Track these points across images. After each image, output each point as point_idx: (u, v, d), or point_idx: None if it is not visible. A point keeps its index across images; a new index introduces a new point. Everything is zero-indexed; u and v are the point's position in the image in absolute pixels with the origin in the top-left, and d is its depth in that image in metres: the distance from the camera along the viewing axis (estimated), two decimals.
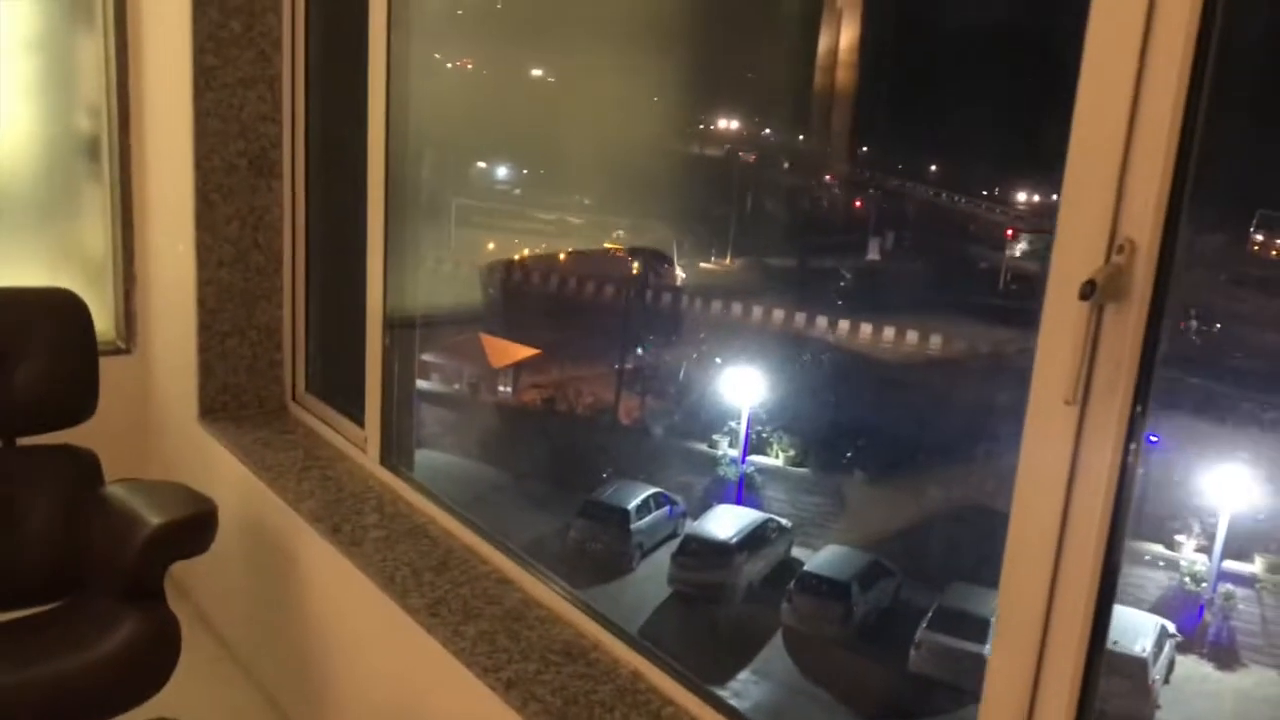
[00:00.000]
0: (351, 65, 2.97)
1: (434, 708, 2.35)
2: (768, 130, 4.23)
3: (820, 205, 4.57)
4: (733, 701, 5.29)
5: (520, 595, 2.43)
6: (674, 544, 5.76)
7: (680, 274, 5.58)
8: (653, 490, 5.86)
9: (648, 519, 5.75)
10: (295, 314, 3.45)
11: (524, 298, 6.16)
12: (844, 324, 4.98)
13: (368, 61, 2.88)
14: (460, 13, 3.79)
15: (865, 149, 4.04)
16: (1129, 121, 1.40)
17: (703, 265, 5.39)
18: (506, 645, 2.24)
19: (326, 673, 2.77)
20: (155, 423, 3.73)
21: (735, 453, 5.80)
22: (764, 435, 5.59)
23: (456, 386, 6.54)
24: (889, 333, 4.87)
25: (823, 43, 3.67)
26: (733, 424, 5.66)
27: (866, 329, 4.91)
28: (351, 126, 3.00)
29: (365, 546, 2.62)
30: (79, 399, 2.73)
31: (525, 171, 5.06)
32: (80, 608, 2.54)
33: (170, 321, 3.54)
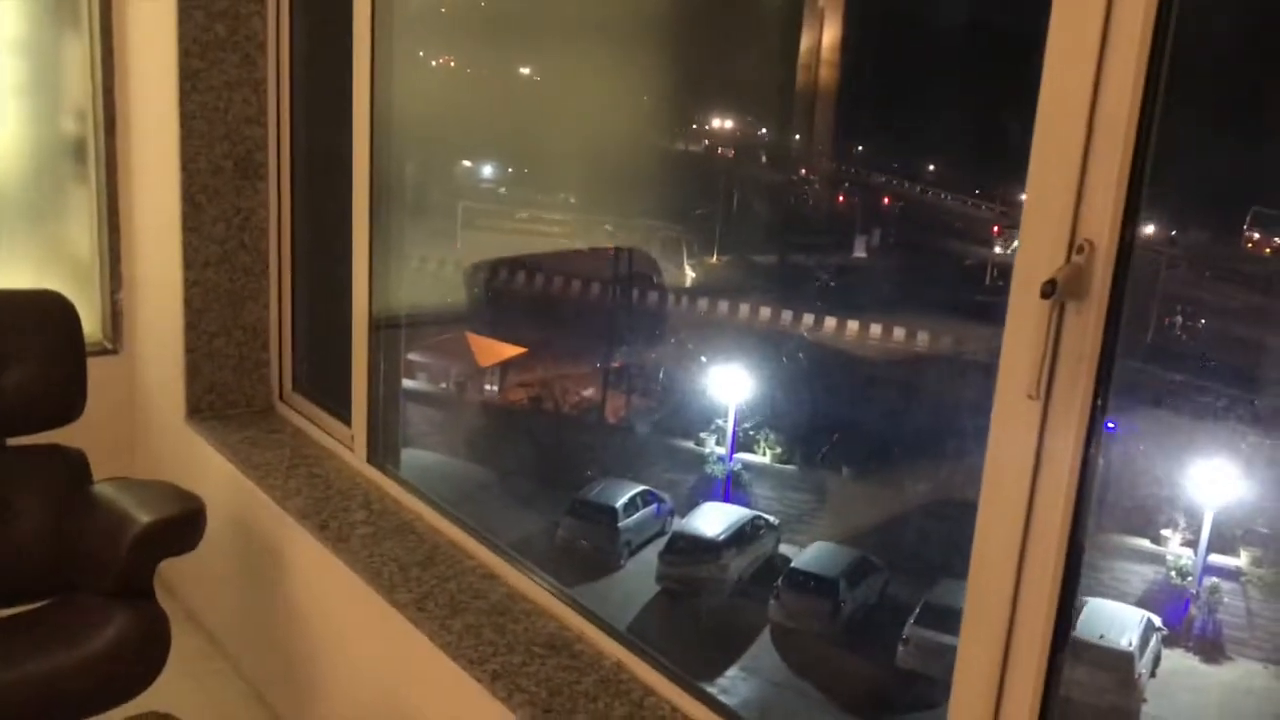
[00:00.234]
0: (336, 67, 3.02)
1: (421, 700, 2.42)
2: (753, 129, 4.26)
3: (806, 203, 4.61)
4: (721, 698, 5.35)
5: (506, 589, 2.50)
6: (662, 542, 5.80)
7: (666, 272, 5.59)
8: (640, 488, 5.88)
9: (636, 517, 5.79)
10: (282, 314, 3.50)
11: (509, 297, 6.15)
12: (830, 321, 4.99)
13: (352, 62, 2.93)
14: (444, 11, 3.83)
15: (851, 147, 4.07)
16: (1087, 128, 1.47)
17: (689, 263, 5.40)
18: (492, 638, 2.31)
19: (314, 667, 2.84)
20: (143, 422, 3.79)
21: (722, 450, 5.83)
22: (751, 433, 5.62)
23: (443, 385, 6.54)
24: (875, 330, 4.88)
25: (805, 41, 3.71)
26: (719, 422, 5.69)
27: (853, 326, 4.92)
28: (337, 128, 3.05)
29: (352, 543, 2.68)
30: (67, 399, 2.78)
31: (510, 170, 5.09)
32: (70, 605, 2.60)
33: (157, 322, 3.59)
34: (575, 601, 2.39)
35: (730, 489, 5.88)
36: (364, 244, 3.03)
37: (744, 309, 5.21)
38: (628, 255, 5.81)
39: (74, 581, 2.63)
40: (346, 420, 3.13)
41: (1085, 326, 1.49)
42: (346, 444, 3.14)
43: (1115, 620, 4.55)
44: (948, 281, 4.59)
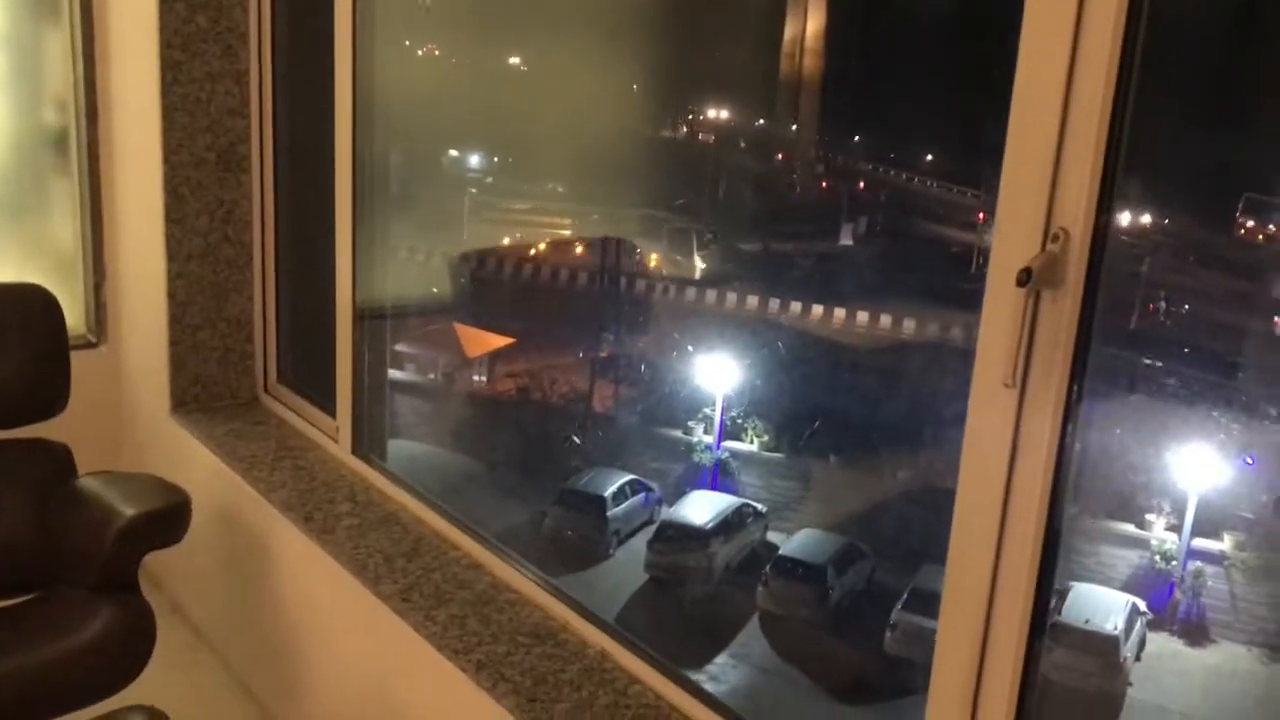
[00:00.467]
0: (319, 58, 3.01)
1: (407, 690, 2.43)
2: (739, 118, 4.26)
3: (793, 191, 4.61)
4: (710, 685, 5.36)
5: (490, 579, 2.51)
6: (650, 530, 5.81)
7: (653, 261, 5.58)
8: (629, 477, 5.87)
9: (624, 506, 5.79)
10: (266, 306, 3.50)
11: (496, 287, 6.13)
12: (817, 309, 4.98)
13: (334, 51, 2.93)
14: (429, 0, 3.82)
15: (836, 135, 4.08)
16: (1061, 116, 1.48)
17: (675, 252, 5.38)
18: (477, 628, 2.32)
19: (300, 659, 2.85)
20: (127, 415, 3.79)
21: (710, 439, 5.83)
22: (738, 421, 5.61)
23: (430, 376, 6.52)
24: (862, 317, 4.88)
25: (789, 30, 3.71)
26: (707, 410, 5.68)
27: (839, 314, 4.92)
28: (320, 118, 3.05)
29: (337, 535, 2.69)
30: (51, 393, 2.78)
31: (496, 159, 5.08)
32: (54, 600, 2.60)
33: (141, 315, 3.59)
34: (560, 591, 2.41)
35: (718, 477, 5.88)
36: (347, 235, 3.03)
37: (730, 298, 5.21)
38: (615, 244, 5.79)
39: (58, 576, 2.63)
40: (331, 412, 3.14)
41: (1060, 314, 1.50)
42: (331, 436, 3.14)
43: (1100, 605, 4.57)
44: (934, 269, 4.60)
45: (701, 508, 5.74)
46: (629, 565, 5.69)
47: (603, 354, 6.25)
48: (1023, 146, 1.52)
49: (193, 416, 3.39)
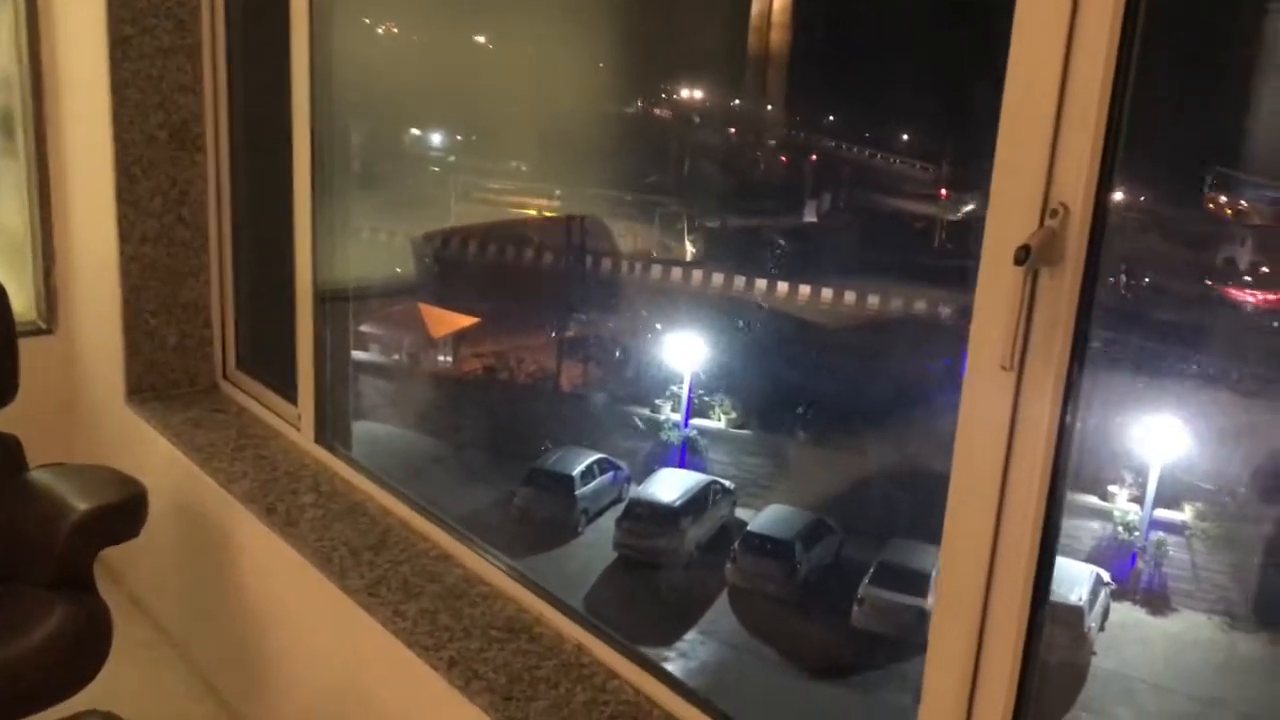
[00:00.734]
0: (275, 34, 2.87)
1: (376, 689, 2.32)
2: (705, 95, 4.20)
3: (758, 168, 4.55)
4: (680, 661, 5.32)
5: (461, 572, 2.40)
6: (619, 508, 5.74)
7: (620, 239, 5.52)
8: (597, 456, 5.83)
9: (592, 485, 5.73)
10: (224, 289, 3.37)
11: (461, 267, 6.06)
12: (782, 286, 4.96)
13: (290, 27, 2.80)
14: None
15: (801, 112, 4.02)
16: (1060, 86, 1.39)
17: (642, 231, 5.33)
18: (448, 623, 2.21)
19: (265, 656, 2.73)
20: (80, 404, 3.63)
21: (678, 417, 5.77)
22: (706, 399, 5.57)
23: (395, 357, 6.44)
24: (826, 294, 4.84)
25: (756, 4, 3.64)
26: (674, 388, 5.63)
27: (804, 290, 4.89)
28: (277, 96, 2.91)
29: (301, 527, 2.57)
30: None
31: (460, 139, 4.98)
32: (4, 599, 2.47)
33: (93, 300, 3.44)
34: (533, 582, 2.30)
35: (686, 455, 5.84)
36: (306, 215, 2.90)
37: (697, 275, 5.15)
38: (581, 223, 5.72)
39: (8, 573, 2.50)
40: (293, 399, 3.00)
41: (1060, 292, 1.42)
42: (293, 423, 3.01)
43: (1065, 576, 4.58)
44: (898, 245, 4.55)
45: (670, 486, 5.70)
46: (598, 544, 5.65)
47: (570, 333, 6.19)
48: (1019, 117, 1.43)
49: (149, 405, 3.24)
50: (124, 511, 2.52)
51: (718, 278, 5.16)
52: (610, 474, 5.84)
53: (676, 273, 5.34)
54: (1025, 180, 1.42)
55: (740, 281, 5.13)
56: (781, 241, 5.02)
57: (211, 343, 3.39)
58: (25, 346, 2.72)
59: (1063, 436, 1.49)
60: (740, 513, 5.66)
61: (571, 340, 6.21)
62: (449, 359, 6.56)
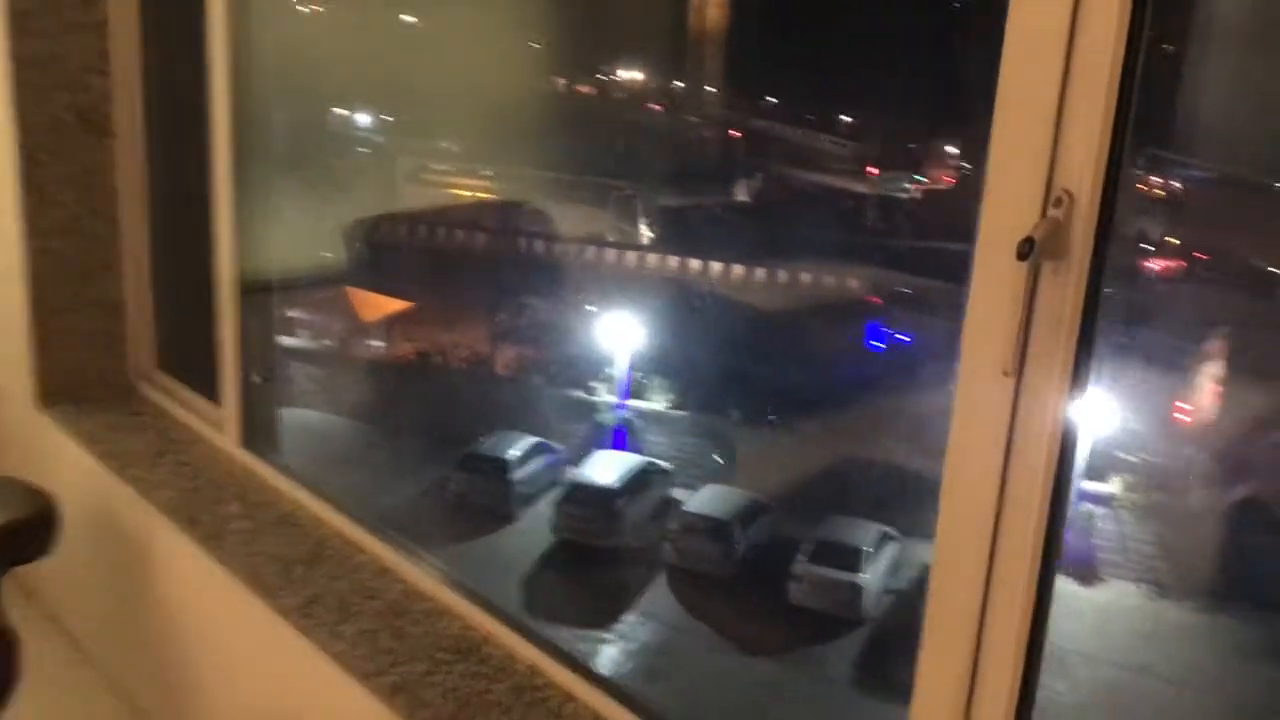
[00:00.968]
0: (192, 9, 2.62)
1: (313, 717, 2.09)
2: (641, 74, 4.06)
3: (691, 148, 4.47)
4: (619, 644, 5.16)
5: (402, 587, 2.18)
6: (556, 492, 5.63)
7: (554, 221, 5.43)
8: (533, 439, 5.75)
9: (529, 468, 5.60)
10: (140, 284, 3.09)
11: (394, 254, 5.93)
12: (716, 267, 4.89)
13: (207, 3, 2.54)
14: None
15: (735, 91, 3.95)
16: (1065, 59, 1.21)
17: (577, 211, 5.23)
18: (390, 645, 1.99)
19: (193, 680, 2.48)
20: None
21: (614, 399, 5.69)
22: (642, 380, 5.51)
23: (326, 342, 6.28)
24: (760, 274, 4.83)
25: None
26: (610, 370, 5.56)
27: (738, 271, 4.86)
28: (195, 76, 2.66)
29: (228, 540, 2.33)
30: None
31: (390, 120, 4.79)
32: None
33: None
34: (481, 597, 2.08)
35: (623, 437, 5.73)
36: (228, 203, 2.65)
37: (631, 256, 5.08)
38: (513, 205, 5.60)
39: None
40: (217, 400, 2.74)
41: (1065, 288, 1.25)
42: (218, 426, 2.75)
43: None
44: (830, 223, 4.48)
45: (607, 468, 5.60)
46: (535, 528, 5.52)
47: (504, 316, 6.07)
48: (1017, 95, 1.25)
49: (60, 409, 2.96)
50: (33, 528, 2.26)
51: (653, 259, 5.09)
52: (547, 457, 5.73)
53: (610, 253, 5.25)
54: (1025, 165, 1.26)
55: (675, 262, 5.08)
56: (716, 222, 5.01)
57: (128, 341, 3.10)
58: None
59: (1066, 447, 1.31)
60: (678, 493, 5.59)
61: (506, 324, 6.13)
62: (382, 343, 6.39)
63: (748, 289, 4.67)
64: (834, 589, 5.29)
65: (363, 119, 4.68)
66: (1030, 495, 1.32)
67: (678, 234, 4.86)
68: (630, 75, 3.96)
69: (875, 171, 4.12)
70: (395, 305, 6.04)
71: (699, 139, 4.48)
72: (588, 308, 5.61)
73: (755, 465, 5.48)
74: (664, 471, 5.80)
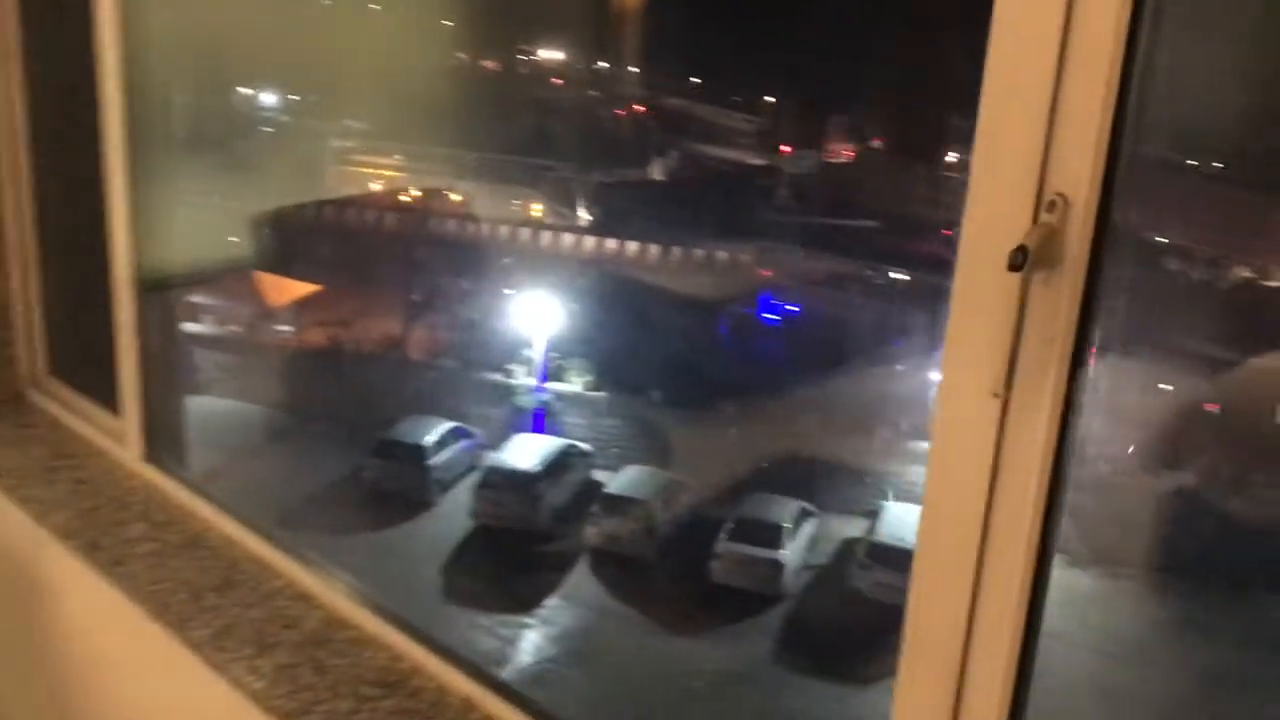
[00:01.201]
0: None
1: None
2: (556, 53, 3.87)
3: (606, 127, 4.35)
4: (541, 629, 5.01)
5: (322, 614, 1.97)
6: (474, 477, 5.53)
7: (467, 202, 5.28)
8: (449, 424, 5.61)
9: (446, 454, 5.46)
10: (28, 283, 2.80)
11: (304, 238, 5.69)
12: (632, 246, 4.75)
13: None
14: None
15: (650, 70, 3.80)
16: (1060, 44, 1.06)
17: (489, 192, 5.05)
18: (311, 680, 1.79)
19: None
20: None
21: (532, 381, 5.52)
22: (560, 362, 5.37)
23: (233, 328, 6.02)
24: (676, 252, 4.72)
25: None
26: (528, 353, 5.39)
27: (654, 249, 4.75)
28: (82, 53, 2.37)
29: (131, 566, 2.08)
30: None
31: (297, 99, 4.53)
32: None
33: None
34: (409, 624, 1.89)
35: (542, 420, 5.59)
36: (122, 191, 2.39)
37: (546, 237, 4.95)
38: (425, 188, 5.44)
39: None
40: (117, 409, 2.48)
41: (1058, 301, 1.11)
42: (117, 438, 2.48)
43: (911, 523, 4.42)
44: (742, 201, 4.40)
45: (526, 451, 5.45)
46: (453, 514, 5.35)
47: (418, 299, 5.90)
48: (1006, 86, 1.11)
49: None
50: None
51: (568, 239, 4.93)
52: (464, 442, 5.61)
53: (524, 233, 5.07)
54: (1015, 164, 1.11)
55: (590, 242, 4.93)
56: (627, 198, 4.89)
57: (15, 346, 2.80)
58: None
59: (1059, 472, 1.17)
60: (599, 475, 5.48)
61: (420, 307, 5.94)
62: (291, 328, 6.11)
63: (664, 268, 4.53)
64: (754, 566, 5.24)
65: (265, 98, 4.40)
66: (1019, 524, 1.18)
67: (594, 215, 4.74)
68: (549, 52, 3.77)
69: (790, 150, 4.06)
70: (305, 290, 5.78)
71: (612, 118, 4.34)
72: (505, 290, 5.47)
73: (676, 445, 5.36)
74: (584, 454, 5.68)
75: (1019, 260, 1.08)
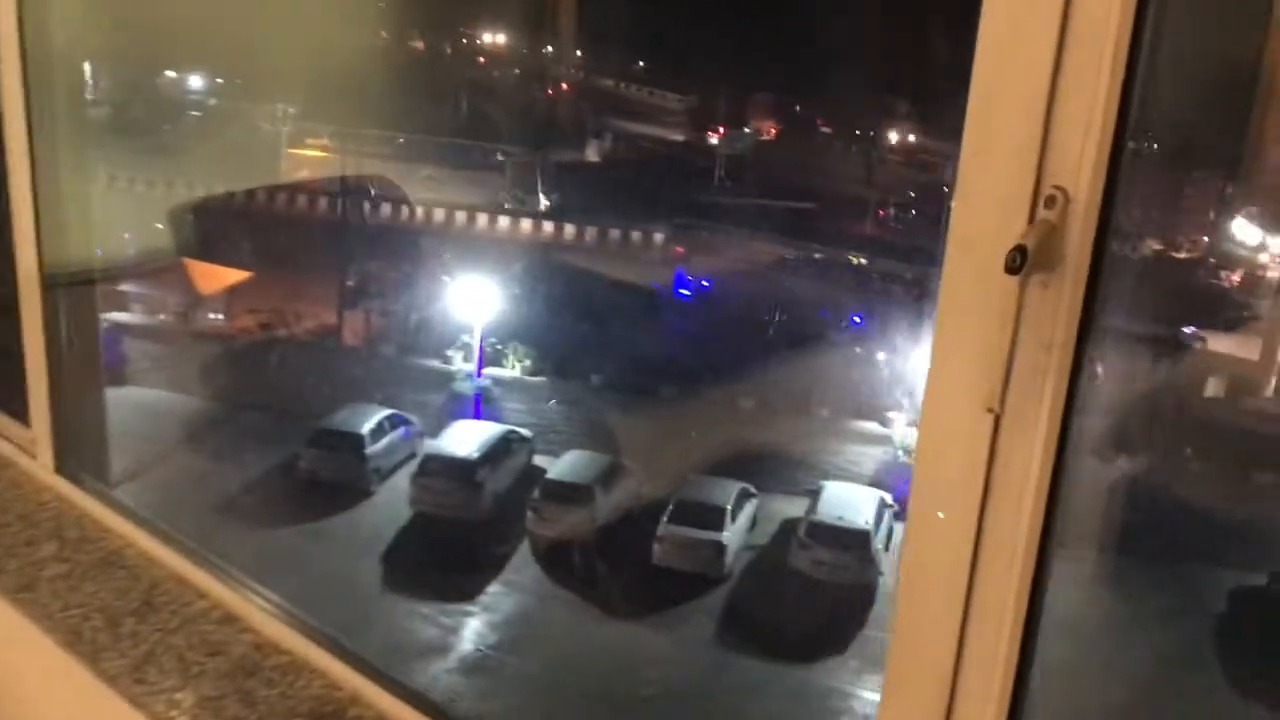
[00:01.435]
0: None
1: None
2: (493, 34, 3.70)
3: (541, 108, 4.21)
4: (483, 616, 4.83)
5: (251, 638, 1.78)
6: (413, 465, 5.40)
7: (401, 186, 5.10)
8: (387, 412, 5.45)
9: (383, 442, 5.32)
10: None
11: (234, 223, 5.47)
12: (569, 229, 4.61)
13: None
14: None
15: (585, 50, 3.64)
16: (1060, 28, 0.93)
17: (424, 176, 4.87)
18: (239, 713, 1.61)
19: None
20: None
21: (470, 367, 5.37)
22: (499, 347, 5.23)
23: (162, 316, 5.76)
24: (615, 235, 4.60)
25: None
26: (465, 338, 5.24)
27: (591, 232, 4.61)
28: None
29: (40, 590, 1.88)
30: None
31: (221, 81, 4.29)
32: None
33: None
34: (345, 648, 1.71)
35: (481, 405, 5.46)
36: (24, 176, 2.14)
37: (482, 220, 4.81)
38: (358, 172, 5.25)
39: None
40: (26, 419, 2.25)
41: (1057, 305, 0.99)
42: (27, 450, 2.25)
43: (851, 501, 4.40)
44: (678, 182, 4.33)
45: (466, 438, 5.33)
46: (393, 502, 5.20)
47: (352, 284, 5.73)
48: (998, 74, 0.98)
49: None
50: None
51: (504, 223, 4.78)
52: (402, 430, 5.46)
53: (459, 217, 4.91)
54: (1009, 157, 0.98)
55: (527, 225, 4.78)
56: (562, 181, 4.75)
57: None
58: None
59: (1056, 491, 1.04)
60: (540, 460, 5.36)
61: (355, 293, 5.75)
62: (221, 316, 5.86)
63: (602, 251, 4.40)
64: (696, 548, 5.15)
65: (190, 80, 4.15)
66: (1012, 551, 1.04)
67: (532, 197, 4.59)
68: (482, 34, 3.59)
69: (723, 132, 3.96)
70: (235, 276, 5.54)
71: (546, 99, 4.20)
72: (442, 276, 5.30)
73: (616, 428, 5.23)
74: (524, 439, 5.53)
75: (1017, 262, 0.95)
